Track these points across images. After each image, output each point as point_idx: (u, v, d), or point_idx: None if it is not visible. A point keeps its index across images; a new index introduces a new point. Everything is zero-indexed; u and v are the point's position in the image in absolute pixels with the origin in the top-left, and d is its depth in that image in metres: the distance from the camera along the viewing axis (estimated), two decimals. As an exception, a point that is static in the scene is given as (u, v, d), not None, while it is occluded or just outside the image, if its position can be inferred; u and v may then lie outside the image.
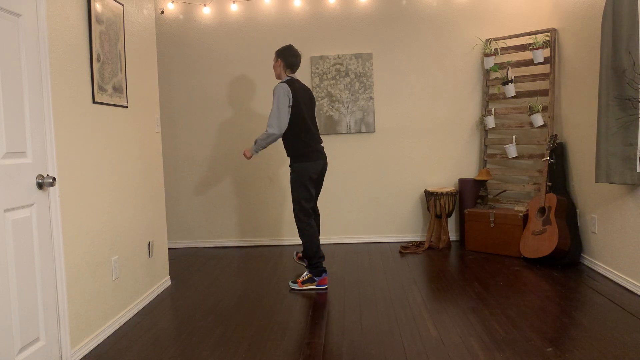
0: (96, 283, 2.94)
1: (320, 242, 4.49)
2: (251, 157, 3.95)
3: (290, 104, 3.71)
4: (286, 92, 3.69)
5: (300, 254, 4.16)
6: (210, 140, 5.30)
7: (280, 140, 4.68)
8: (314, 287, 3.80)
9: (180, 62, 5.27)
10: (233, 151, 5.29)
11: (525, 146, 4.95)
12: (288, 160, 5.16)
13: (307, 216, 3.80)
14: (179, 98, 5.30)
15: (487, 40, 4.99)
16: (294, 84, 3.77)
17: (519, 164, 5.04)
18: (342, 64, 5.14)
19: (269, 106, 5.20)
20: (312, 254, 3.80)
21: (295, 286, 3.83)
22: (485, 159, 5.09)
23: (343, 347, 2.75)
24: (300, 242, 5.15)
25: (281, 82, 3.77)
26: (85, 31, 2.88)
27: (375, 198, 5.26)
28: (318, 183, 3.92)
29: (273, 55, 4.40)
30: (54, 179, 2.46)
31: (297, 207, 3.79)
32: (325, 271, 3.84)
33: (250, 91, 5.24)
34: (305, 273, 3.86)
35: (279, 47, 5.15)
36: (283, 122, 3.68)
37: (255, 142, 3.78)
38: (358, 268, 4.29)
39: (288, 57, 3.86)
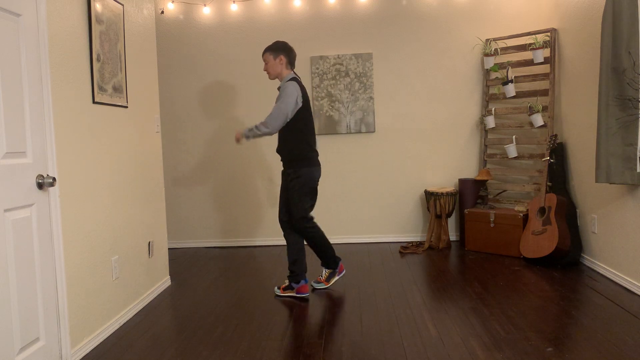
0: (96, 283, 2.94)
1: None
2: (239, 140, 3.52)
3: (299, 106, 3.45)
4: (297, 95, 3.41)
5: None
6: (210, 140, 5.30)
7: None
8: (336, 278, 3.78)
9: (180, 62, 5.27)
10: (233, 151, 5.29)
11: (525, 146, 4.95)
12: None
13: (310, 221, 3.56)
14: (179, 98, 5.30)
15: (487, 40, 4.99)
16: (300, 83, 3.51)
17: (519, 164, 5.04)
18: (342, 64, 5.14)
19: (268, 106, 5.20)
20: (328, 249, 3.65)
21: (322, 285, 3.75)
22: (485, 159, 5.09)
23: (343, 347, 2.75)
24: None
25: (290, 81, 3.47)
26: (85, 31, 2.88)
27: (375, 198, 5.25)
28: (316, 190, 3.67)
29: (266, 54, 3.57)
30: (54, 179, 2.46)
31: (300, 217, 3.52)
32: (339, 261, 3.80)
33: (250, 91, 5.24)
34: (325, 271, 3.77)
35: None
36: (280, 124, 3.41)
37: (252, 129, 3.43)
38: (358, 268, 4.29)
39: (290, 52, 3.56)
